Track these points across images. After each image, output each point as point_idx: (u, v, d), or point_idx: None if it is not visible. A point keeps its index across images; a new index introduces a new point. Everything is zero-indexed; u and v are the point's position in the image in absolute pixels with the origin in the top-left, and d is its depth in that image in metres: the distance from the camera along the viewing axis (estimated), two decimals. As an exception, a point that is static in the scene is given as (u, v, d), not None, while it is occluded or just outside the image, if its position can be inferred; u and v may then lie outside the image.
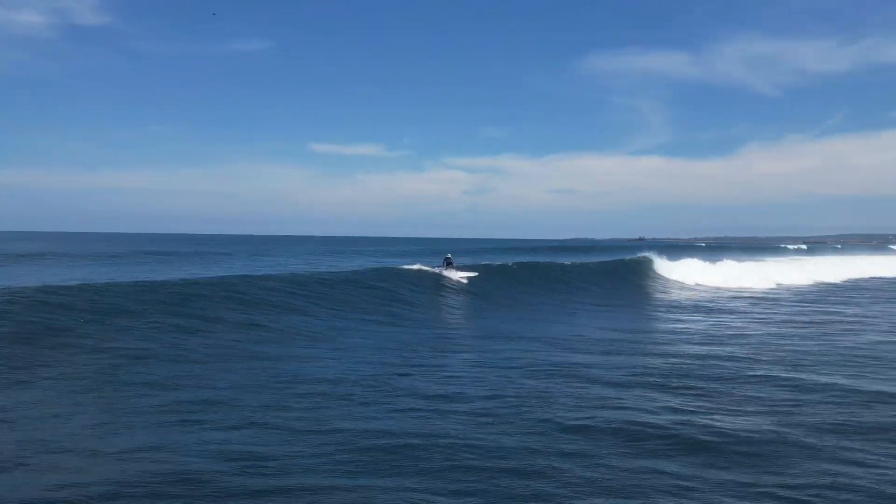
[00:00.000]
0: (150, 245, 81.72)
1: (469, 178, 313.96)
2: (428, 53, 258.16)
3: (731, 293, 31.47)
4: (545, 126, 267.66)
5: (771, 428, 8.18)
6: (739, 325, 19.27)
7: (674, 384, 10.60)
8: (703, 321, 20.35)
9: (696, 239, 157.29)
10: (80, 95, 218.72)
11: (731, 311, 23.30)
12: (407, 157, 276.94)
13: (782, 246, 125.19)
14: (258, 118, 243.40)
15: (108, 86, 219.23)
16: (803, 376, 11.38)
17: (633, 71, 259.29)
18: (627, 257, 40.07)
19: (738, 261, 46.92)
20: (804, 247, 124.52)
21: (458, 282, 27.07)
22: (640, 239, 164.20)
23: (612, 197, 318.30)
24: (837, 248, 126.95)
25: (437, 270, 27.83)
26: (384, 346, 14.27)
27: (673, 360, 13.01)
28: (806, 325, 18.97)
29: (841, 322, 19.95)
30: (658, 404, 9.28)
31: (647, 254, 39.71)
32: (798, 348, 14.64)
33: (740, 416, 8.79)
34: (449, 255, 29.06)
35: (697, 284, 35.31)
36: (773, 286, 35.96)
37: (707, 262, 40.82)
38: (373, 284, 23.58)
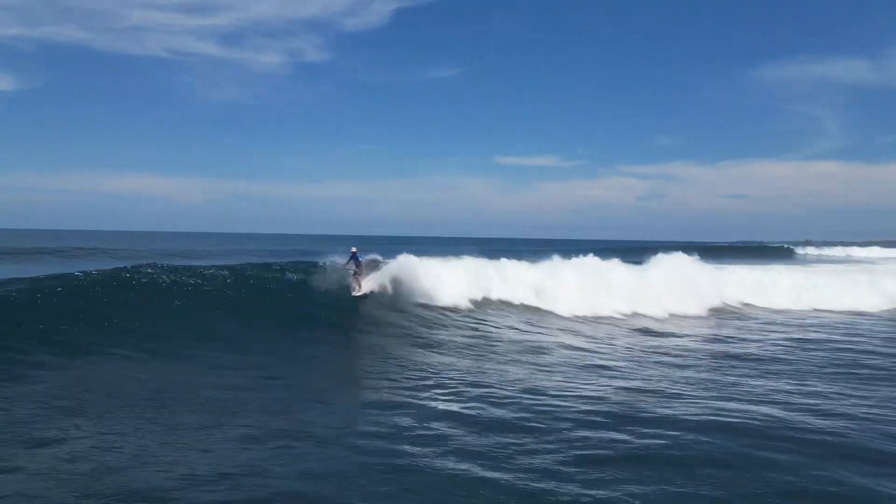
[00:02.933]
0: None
1: (641, 185, 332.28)
2: (599, 67, 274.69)
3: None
4: (717, 134, 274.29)
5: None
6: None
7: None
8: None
9: (870, 242, 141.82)
10: (306, 120, 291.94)
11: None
12: (581, 166, 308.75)
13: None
14: (450, 136, 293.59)
15: (328, 112, 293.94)
16: None
17: (807, 78, 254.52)
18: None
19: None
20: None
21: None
22: (808, 242, 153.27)
23: (784, 201, 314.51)
24: None
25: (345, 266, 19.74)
26: None
27: None
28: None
29: None
30: None
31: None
32: None
33: None
34: (354, 250, 19.70)
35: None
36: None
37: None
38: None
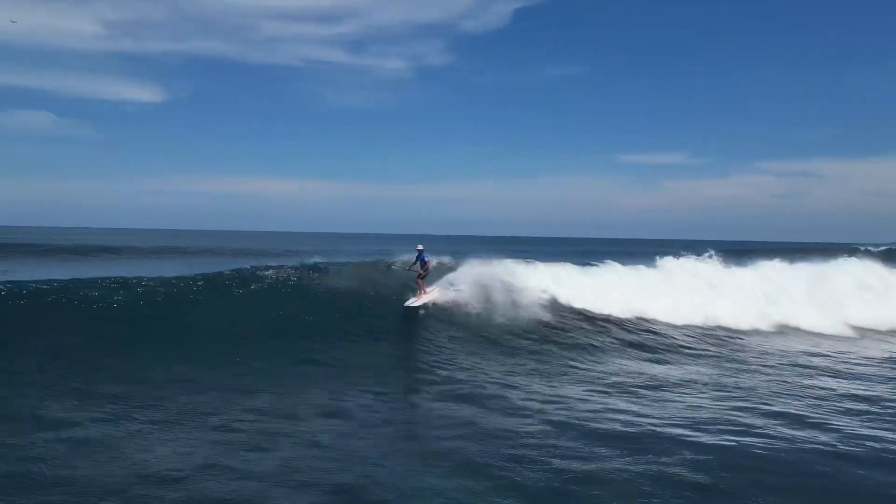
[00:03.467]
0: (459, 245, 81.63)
1: (778, 183, 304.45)
2: (732, 57, 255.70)
3: None
4: (866, 126, 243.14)
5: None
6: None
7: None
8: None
9: None
10: (427, 123, 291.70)
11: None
12: (712, 163, 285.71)
13: None
14: (572, 134, 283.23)
15: (448, 114, 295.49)
16: None
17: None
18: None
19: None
20: None
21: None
22: None
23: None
24: None
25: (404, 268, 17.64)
26: None
27: None
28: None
29: None
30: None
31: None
32: None
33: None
34: (420, 248, 17.01)
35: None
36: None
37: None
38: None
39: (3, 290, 13.06)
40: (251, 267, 18.28)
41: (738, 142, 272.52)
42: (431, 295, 16.84)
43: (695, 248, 25.45)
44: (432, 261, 17.46)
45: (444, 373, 12.25)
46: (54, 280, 14.70)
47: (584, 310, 18.92)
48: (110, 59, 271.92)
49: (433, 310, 16.54)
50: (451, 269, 19.06)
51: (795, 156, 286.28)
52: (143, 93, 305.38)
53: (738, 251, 30.34)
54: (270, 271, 17.59)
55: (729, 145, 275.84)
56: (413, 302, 16.30)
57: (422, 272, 16.71)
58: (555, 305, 18.64)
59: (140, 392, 9.61)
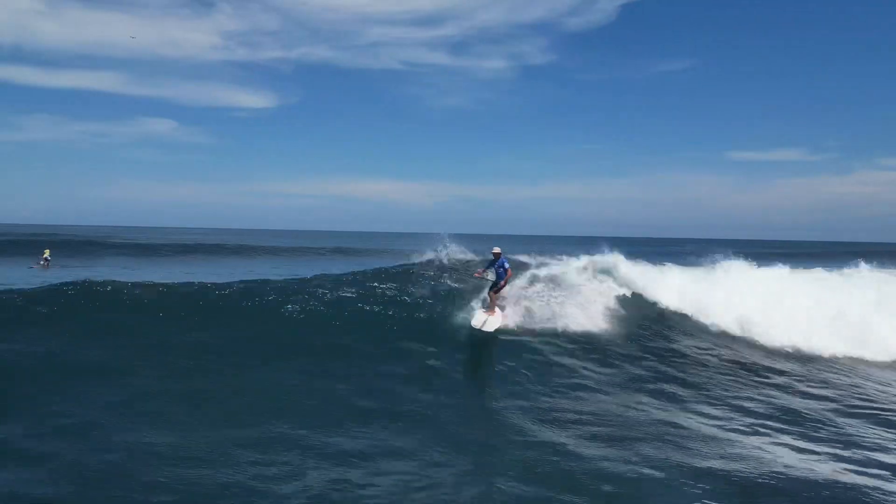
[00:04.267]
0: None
1: None
2: (855, 44, 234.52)
3: None
4: None
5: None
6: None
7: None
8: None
9: None
10: (528, 123, 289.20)
11: None
12: (832, 160, 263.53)
13: None
14: (678, 131, 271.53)
15: (550, 113, 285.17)
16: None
17: None
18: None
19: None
20: None
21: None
22: None
23: None
24: None
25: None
26: None
27: None
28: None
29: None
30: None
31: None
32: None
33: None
34: (497, 251, 13.27)
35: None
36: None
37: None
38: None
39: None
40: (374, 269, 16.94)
41: (862, 136, 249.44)
42: (500, 317, 13.11)
43: (804, 247, 21.34)
44: (509, 265, 13.35)
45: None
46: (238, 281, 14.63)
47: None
48: (226, 67, 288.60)
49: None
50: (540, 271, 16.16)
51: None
52: (256, 99, 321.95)
53: (872, 253, 25.62)
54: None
55: (851, 140, 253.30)
56: (479, 322, 12.65)
57: (502, 283, 13.23)
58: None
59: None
